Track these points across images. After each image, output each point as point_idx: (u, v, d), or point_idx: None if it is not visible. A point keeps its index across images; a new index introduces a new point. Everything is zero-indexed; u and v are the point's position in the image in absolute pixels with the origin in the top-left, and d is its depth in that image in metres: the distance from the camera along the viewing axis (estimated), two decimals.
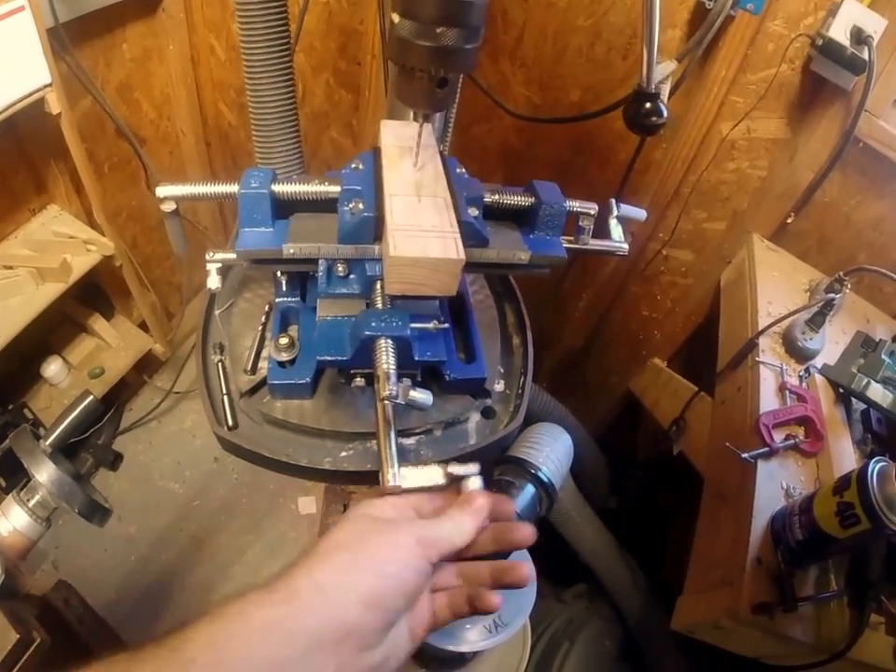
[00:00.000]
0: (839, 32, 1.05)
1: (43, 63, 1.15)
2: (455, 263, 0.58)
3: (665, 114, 0.93)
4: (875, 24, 1.04)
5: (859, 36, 1.04)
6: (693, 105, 1.24)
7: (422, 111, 0.60)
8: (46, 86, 1.17)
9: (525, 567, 0.52)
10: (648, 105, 0.92)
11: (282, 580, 0.42)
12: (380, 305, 0.64)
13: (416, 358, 0.63)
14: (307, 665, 0.38)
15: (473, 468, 0.53)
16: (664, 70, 1.12)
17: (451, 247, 0.58)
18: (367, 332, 0.59)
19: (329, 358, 0.64)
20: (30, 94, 1.15)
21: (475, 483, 0.52)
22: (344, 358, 0.63)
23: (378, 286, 0.65)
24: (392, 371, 0.56)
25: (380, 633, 0.42)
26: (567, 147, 1.48)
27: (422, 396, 0.57)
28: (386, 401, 0.55)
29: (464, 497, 0.52)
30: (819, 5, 1.08)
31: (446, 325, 0.65)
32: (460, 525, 0.49)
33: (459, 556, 0.50)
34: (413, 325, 0.61)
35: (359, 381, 0.68)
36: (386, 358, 0.57)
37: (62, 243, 1.44)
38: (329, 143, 1.85)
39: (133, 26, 1.47)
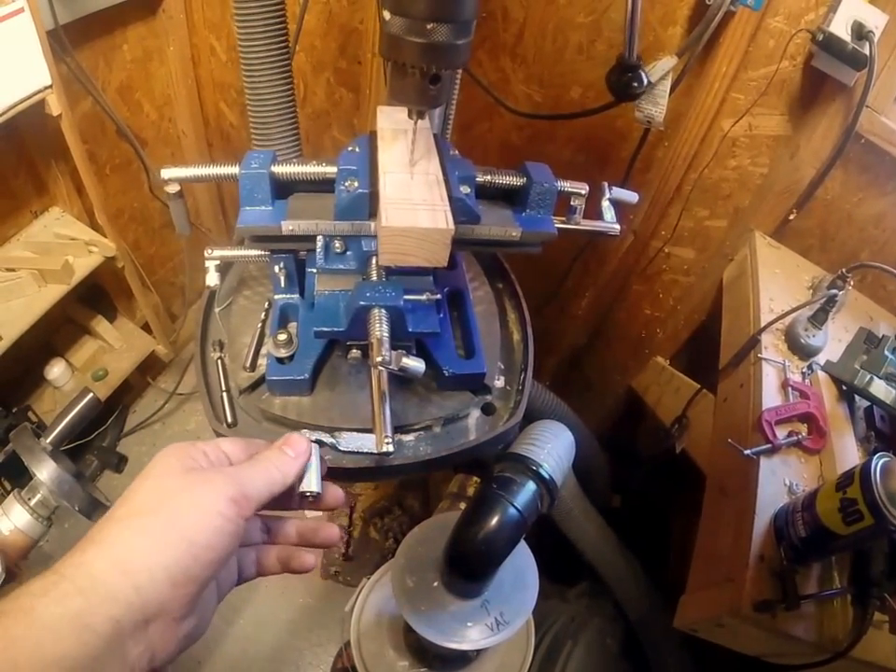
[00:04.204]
0: (840, 27, 1.05)
1: (43, 65, 1.15)
2: (443, 233, 0.59)
3: (646, 82, 0.98)
4: (876, 19, 1.04)
5: (860, 32, 1.03)
6: (694, 101, 1.23)
7: (416, 108, 0.60)
8: (46, 87, 1.18)
9: (332, 527, 0.51)
10: (629, 73, 0.98)
11: (75, 562, 0.36)
12: (375, 279, 0.66)
13: (410, 330, 0.65)
14: (112, 655, 0.34)
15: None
16: (664, 66, 1.12)
17: (440, 219, 0.60)
18: (361, 302, 0.61)
19: (325, 329, 0.66)
20: (30, 96, 1.15)
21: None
22: (340, 329, 0.66)
23: (374, 261, 0.67)
24: (385, 338, 0.58)
25: (192, 603, 0.39)
26: (568, 146, 1.48)
27: (414, 363, 0.58)
28: (380, 367, 0.56)
29: (284, 438, 0.49)
30: (820, 0, 1.07)
31: (438, 296, 0.67)
32: (282, 468, 0.46)
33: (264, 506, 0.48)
34: (406, 296, 0.63)
35: (355, 353, 0.70)
36: (380, 326, 0.59)
37: (63, 244, 1.44)
38: (331, 142, 1.86)
39: (133, 27, 1.47)
